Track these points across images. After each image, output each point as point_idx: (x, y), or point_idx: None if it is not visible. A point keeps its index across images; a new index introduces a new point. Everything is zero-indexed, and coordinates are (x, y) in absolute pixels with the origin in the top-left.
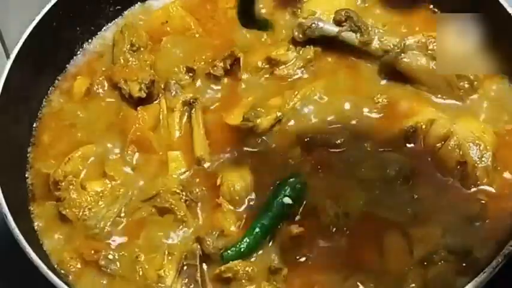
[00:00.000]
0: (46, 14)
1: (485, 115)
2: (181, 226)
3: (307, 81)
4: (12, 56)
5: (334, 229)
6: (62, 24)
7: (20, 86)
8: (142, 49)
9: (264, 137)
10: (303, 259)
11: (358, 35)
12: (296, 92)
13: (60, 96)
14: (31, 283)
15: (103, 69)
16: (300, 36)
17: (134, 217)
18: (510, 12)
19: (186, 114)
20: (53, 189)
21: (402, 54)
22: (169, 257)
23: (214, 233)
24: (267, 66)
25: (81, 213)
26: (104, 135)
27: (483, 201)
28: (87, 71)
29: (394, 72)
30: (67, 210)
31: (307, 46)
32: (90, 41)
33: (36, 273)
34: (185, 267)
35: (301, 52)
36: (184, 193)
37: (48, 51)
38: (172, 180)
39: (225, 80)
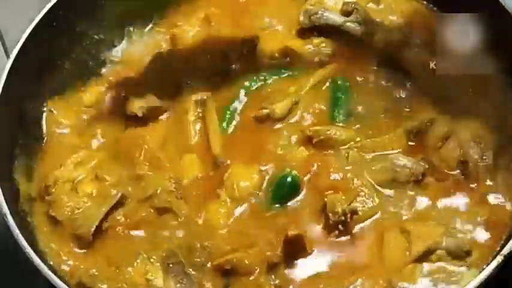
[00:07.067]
0: (46, 14)
1: (485, 114)
2: (179, 225)
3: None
4: (12, 56)
5: (334, 229)
6: (62, 24)
7: (20, 86)
8: None
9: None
10: (303, 258)
11: (363, 27)
12: (311, 79)
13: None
14: (31, 283)
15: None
16: (306, 22)
17: (134, 218)
18: (510, 12)
19: (200, 113)
20: (43, 194)
21: (404, 50)
22: (151, 260)
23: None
24: (282, 57)
25: (69, 213)
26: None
27: (484, 201)
28: None
29: (395, 70)
30: (55, 212)
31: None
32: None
33: (36, 273)
34: (171, 265)
35: (320, 46)
36: (180, 192)
37: (48, 51)
38: (167, 179)
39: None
